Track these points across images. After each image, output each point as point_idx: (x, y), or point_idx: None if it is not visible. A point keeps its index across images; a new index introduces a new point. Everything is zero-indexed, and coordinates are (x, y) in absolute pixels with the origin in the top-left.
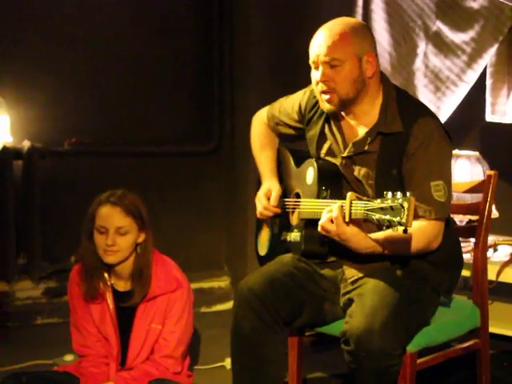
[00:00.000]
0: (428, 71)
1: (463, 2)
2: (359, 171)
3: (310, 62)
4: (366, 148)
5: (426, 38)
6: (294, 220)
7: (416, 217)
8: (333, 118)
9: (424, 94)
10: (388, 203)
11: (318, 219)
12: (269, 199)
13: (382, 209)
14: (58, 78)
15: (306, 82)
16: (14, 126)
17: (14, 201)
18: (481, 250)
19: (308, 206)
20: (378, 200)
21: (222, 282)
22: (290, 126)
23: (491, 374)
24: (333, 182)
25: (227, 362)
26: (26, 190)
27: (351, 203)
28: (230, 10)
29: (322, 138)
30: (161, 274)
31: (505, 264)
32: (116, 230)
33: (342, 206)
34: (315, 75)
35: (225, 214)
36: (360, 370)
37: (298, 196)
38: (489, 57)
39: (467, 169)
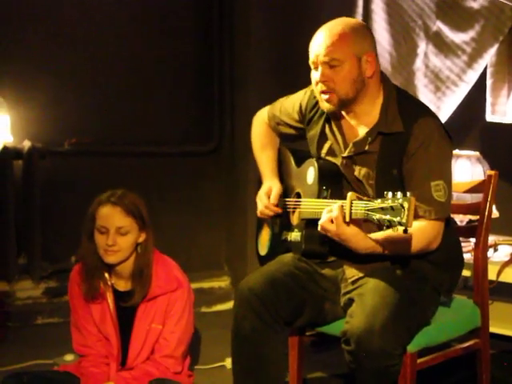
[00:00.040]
0: (428, 71)
1: (463, 2)
2: (360, 171)
3: (310, 62)
4: (367, 148)
5: (426, 38)
6: (295, 220)
7: (416, 217)
8: (333, 117)
9: (424, 94)
10: (388, 203)
11: (319, 219)
12: (269, 198)
13: (382, 209)
14: (58, 78)
15: (306, 82)
16: (15, 126)
17: (14, 201)
18: (481, 249)
19: (308, 205)
20: (379, 200)
21: (222, 282)
22: (290, 126)
23: (491, 374)
24: (333, 182)
25: (227, 362)
26: (26, 190)
27: (352, 203)
28: (230, 10)
29: (322, 137)
30: (161, 274)
31: (505, 264)
32: (116, 230)
33: (343, 206)
34: (315, 75)
35: (225, 214)
36: (360, 369)
37: (298, 196)
38: (489, 57)
39: (467, 169)
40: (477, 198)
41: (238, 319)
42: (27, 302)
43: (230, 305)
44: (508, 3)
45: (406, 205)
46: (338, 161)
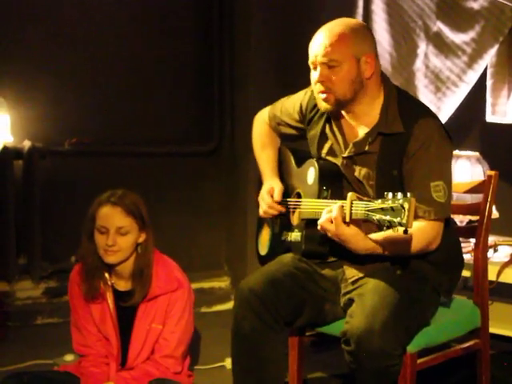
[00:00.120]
0: (428, 72)
1: (464, 3)
2: (360, 171)
3: (309, 62)
4: (367, 148)
5: (426, 39)
6: (295, 220)
7: (416, 217)
8: (334, 117)
9: (424, 95)
10: (389, 204)
11: (319, 219)
12: (272, 197)
13: (382, 209)
14: (58, 78)
15: (307, 82)
16: (15, 126)
17: (14, 201)
18: (481, 250)
19: (309, 206)
20: (379, 200)
21: (222, 282)
22: (291, 126)
23: (491, 374)
24: (334, 182)
25: (227, 362)
26: (26, 190)
27: (352, 203)
28: (230, 10)
29: (322, 137)
30: (161, 274)
31: (505, 264)
32: (116, 230)
33: (343, 207)
34: (313, 75)
35: (225, 214)
36: (360, 370)
37: (298, 196)
38: (489, 57)
39: (467, 169)
40: (477, 198)
41: (238, 319)
42: (27, 302)
43: (230, 305)
44: (508, 4)
45: (406, 205)
46: (338, 161)
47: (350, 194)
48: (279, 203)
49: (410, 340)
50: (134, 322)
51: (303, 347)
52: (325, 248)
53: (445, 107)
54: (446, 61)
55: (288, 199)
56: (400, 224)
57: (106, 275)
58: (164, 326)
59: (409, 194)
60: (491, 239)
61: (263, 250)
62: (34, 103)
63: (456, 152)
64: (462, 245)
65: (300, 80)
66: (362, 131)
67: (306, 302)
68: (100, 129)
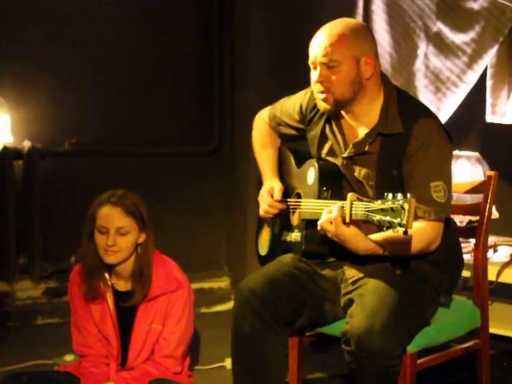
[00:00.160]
0: (428, 72)
1: (464, 3)
2: (360, 172)
3: (309, 62)
4: (367, 149)
5: (426, 39)
6: (295, 220)
7: (415, 217)
8: (333, 118)
9: (424, 95)
10: (388, 204)
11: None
12: (272, 197)
13: (382, 210)
14: (58, 78)
15: (307, 82)
16: (15, 126)
17: (14, 201)
18: (481, 250)
19: (309, 206)
20: (379, 201)
21: (222, 283)
22: (291, 127)
23: (491, 375)
24: (334, 183)
25: (227, 362)
26: (26, 190)
27: (352, 204)
28: (230, 9)
29: (322, 138)
30: (161, 274)
31: (505, 265)
32: (117, 230)
33: (343, 207)
34: (313, 75)
35: (225, 214)
36: (360, 370)
37: (298, 196)
38: (489, 58)
39: (467, 169)
40: (477, 198)
41: (238, 319)
42: (27, 302)
43: (229, 305)
44: (508, 4)
45: (406, 206)
46: (338, 161)
47: (350, 195)
48: (279, 202)
49: (410, 340)
50: (133, 322)
51: (303, 347)
52: (325, 248)
53: (445, 107)
54: (446, 61)
55: (288, 199)
56: (400, 225)
57: (106, 275)
58: (164, 326)
59: (409, 195)
60: (491, 239)
61: (263, 250)
62: (33, 103)
63: (456, 152)
64: (462, 245)
65: (300, 80)
66: (361, 131)
67: (306, 303)
68: (100, 129)
